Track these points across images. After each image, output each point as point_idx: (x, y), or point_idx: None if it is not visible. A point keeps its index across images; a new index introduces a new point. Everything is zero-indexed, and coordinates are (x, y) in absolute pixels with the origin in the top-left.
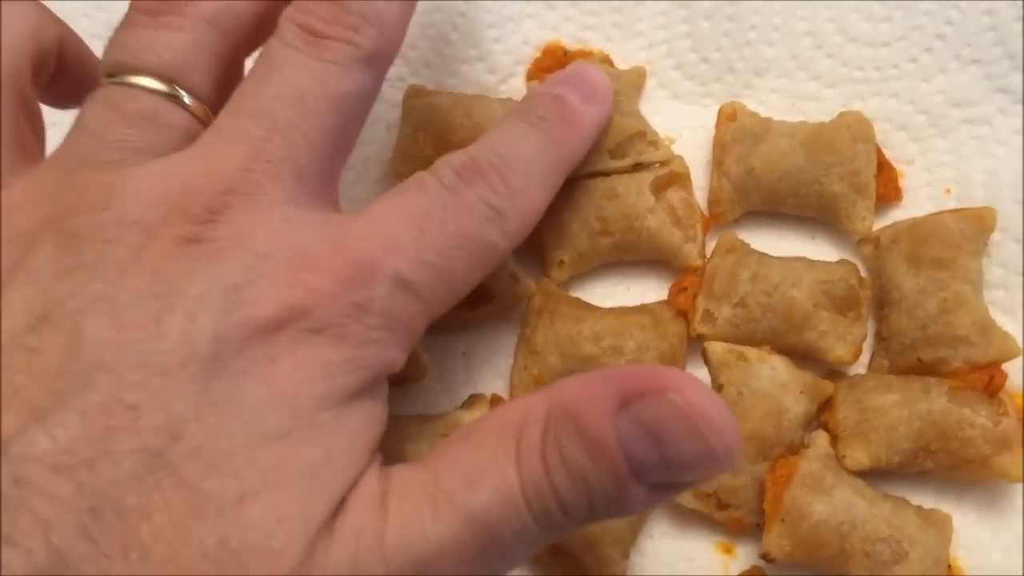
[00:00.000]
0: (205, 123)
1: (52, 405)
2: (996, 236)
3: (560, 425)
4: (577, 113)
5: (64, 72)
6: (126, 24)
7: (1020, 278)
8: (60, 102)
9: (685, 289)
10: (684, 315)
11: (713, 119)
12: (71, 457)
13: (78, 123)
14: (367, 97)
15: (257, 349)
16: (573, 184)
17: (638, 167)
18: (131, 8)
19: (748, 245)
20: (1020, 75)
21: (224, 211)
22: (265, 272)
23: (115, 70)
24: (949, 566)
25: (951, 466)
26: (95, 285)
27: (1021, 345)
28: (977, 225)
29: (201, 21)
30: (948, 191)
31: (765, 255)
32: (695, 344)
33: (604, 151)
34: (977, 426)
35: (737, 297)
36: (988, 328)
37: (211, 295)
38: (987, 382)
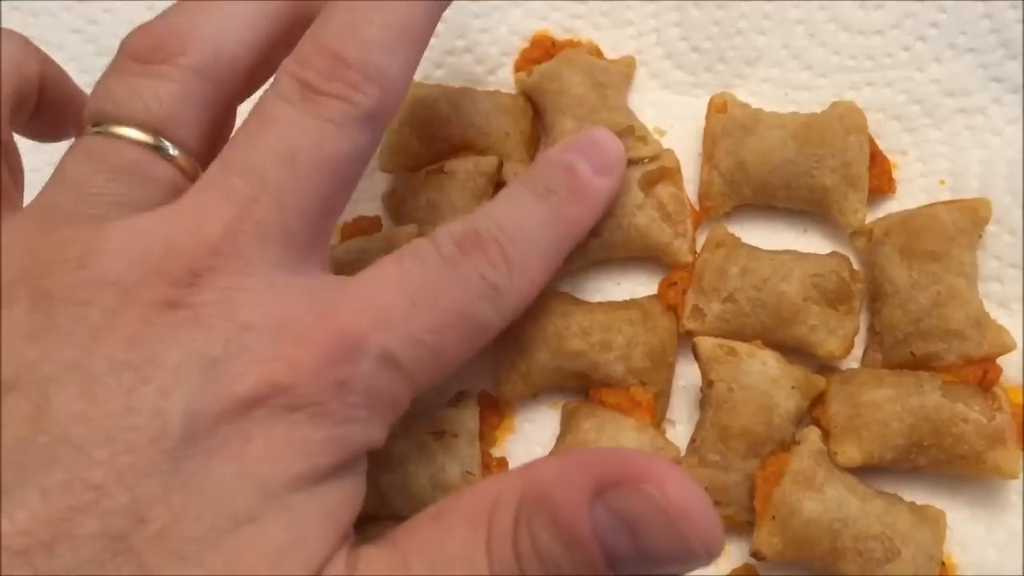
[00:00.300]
0: (192, 177)
1: (13, 481)
2: (991, 228)
3: (533, 511)
4: (588, 186)
5: (46, 106)
6: (113, 70)
7: (1016, 271)
8: (41, 137)
9: (675, 284)
10: (674, 310)
11: (704, 109)
12: (29, 539)
13: (59, 173)
14: (363, 157)
15: (231, 426)
16: None
17: (627, 162)
18: (120, 53)
19: (738, 239)
20: (1015, 64)
21: (207, 274)
22: (246, 344)
23: (100, 119)
24: (943, 563)
25: (944, 462)
26: (67, 351)
27: (1016, 339)
28: (971, 217)
29: (191, 71)
30: (942, 182)
31: (755, 249)
32: (685, 339)
33: None
34: (971, 421)
35: (727, 292)
36: (982, 321)
37: (187, 367)
38: (981, 376)
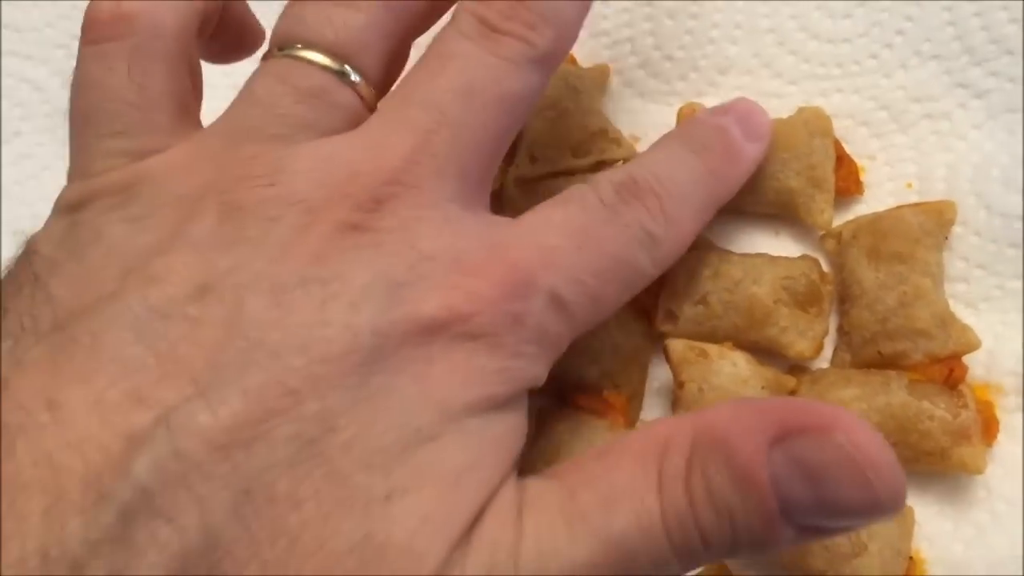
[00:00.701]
0: (371, 107)
1: (214, 380)
2: (957, 230)
3: (708, 454)
4: (739, 148)
5: (225, 28)
6: None
7: (982, 271)
8: (217, 58)
9: (647, 288)
10: (647, 313)
11: (675, 119)
12: (230, 436)
13: (247, 92)
14: (534, 97)
15: (414, 348)
16: (535, 185)
17: (600, 165)
18: None
19: (711, 242)
20: (979, 70)
21: (389, 201)
22: (427, 272)
23: (289, 41)
24: (911, 558)
25: (911, 459)
26: (258, 262)
27: (981, 338)
28: (937, 219)
29: (379, 1)
30: (909, 185)
31: (727, 252)
32: (658, 342)
33: (566, 149)
34: (936, 418)
35: (699, 295)
36: (947, 321)
37: (374, 288)
38: (947, 375)
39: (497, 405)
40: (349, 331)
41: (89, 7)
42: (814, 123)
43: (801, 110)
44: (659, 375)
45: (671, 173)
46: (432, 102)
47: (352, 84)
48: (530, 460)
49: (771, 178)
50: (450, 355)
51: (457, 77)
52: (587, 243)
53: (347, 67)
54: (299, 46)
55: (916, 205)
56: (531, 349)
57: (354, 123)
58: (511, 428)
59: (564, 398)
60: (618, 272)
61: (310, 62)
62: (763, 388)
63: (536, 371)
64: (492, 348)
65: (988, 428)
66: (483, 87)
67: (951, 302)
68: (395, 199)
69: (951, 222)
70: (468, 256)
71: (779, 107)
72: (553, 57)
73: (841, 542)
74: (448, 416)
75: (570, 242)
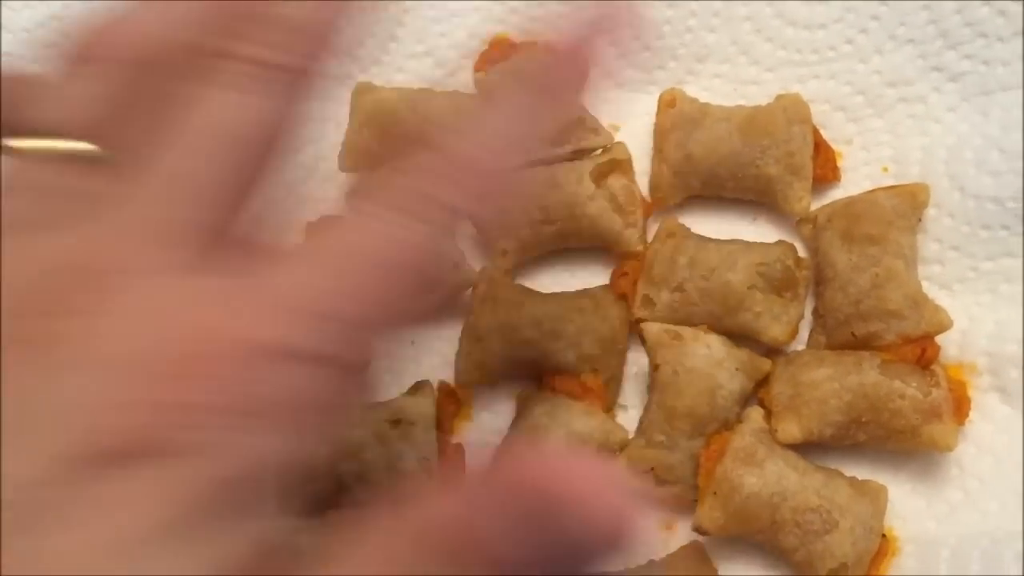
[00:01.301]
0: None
1: None
2: (931, 212)
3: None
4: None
5: None
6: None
7: (955, 253)
8: None
9: (626, 274)
10: (625, 299)
11: (655, 107)
12: None
13: None
14: (281, 127)
15: (95, 484)
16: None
17: (579, 154)
18: (51, 54)
19: (688, 230)
20: (953, 53)
21: (87, 297)
22: (119, 384)
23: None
24: (884, 536)
25: (883, 437)
26: None
27: (953, 319)
28: (910, 201)
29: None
30: (885, 169)
31: (703, 239)
32: (636, 327)
33: (544, 139)
34: (907, 397)
35: (676, 282)
36: (920, 301)
37: (48, 415)
38: (919, 355)
39: (220, 520)
40: (9, 482)
41: None
42: (793, 110)
43: (780, 97)
44: (637, 360)
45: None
46: (165, 163)
47: (77, 163)
48: (510, 443)
49: (750, 165)
50: (136, 485)
51: (203, 121)
52: (348, 263)
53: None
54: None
55: (890, 188)
56: (267, 436)
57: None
58: (246, 547)
59: (544, 382)
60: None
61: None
62: (737, 370)
63: (293, 448)
64: (199, 460)
65: (960, 407)
66: (224, 130)
67: (925, 284)
68: (95, 292)
69: (924, 204)
70: (173, 348)
71: (757, 94)
72: (291, 78)
73: (812, 519)
74: (140, 561)
75: (324, 272)
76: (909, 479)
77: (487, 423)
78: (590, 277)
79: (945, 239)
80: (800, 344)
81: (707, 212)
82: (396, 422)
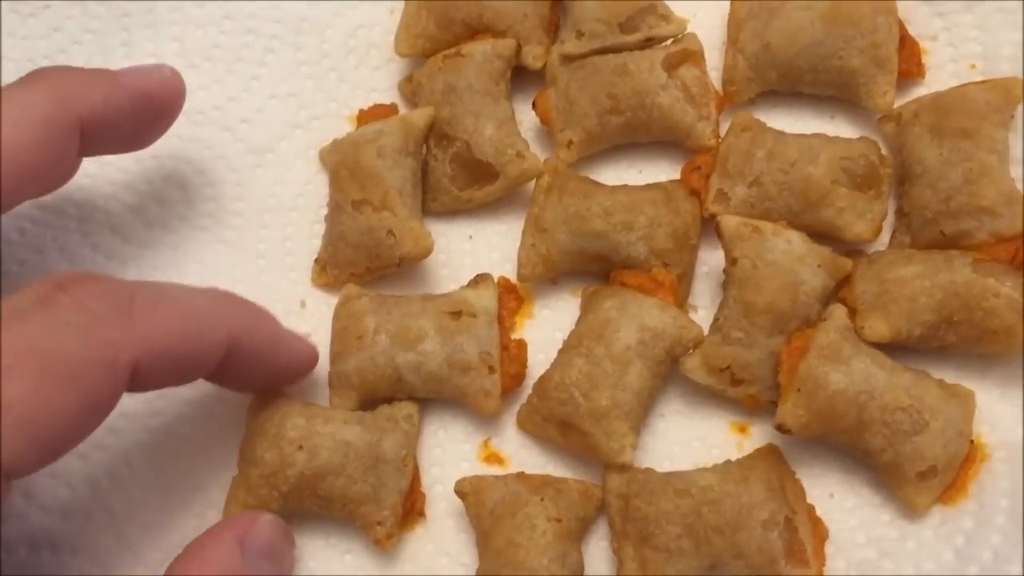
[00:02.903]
0: None
1: None
2: (1023, 110)
3: None
4: None
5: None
6: None
7: None
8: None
9: (698, 168)
10: (697, 194)
11: None
12: None
13: None
14: None
15: None
16: (582, 62)
17: (649, 42)
18: None
19: (763, 123)
20: None
21: None
22: None
23: None
24: (971, 442)
25: (974, 338)
26: None
27: None
28: (1004, 96)
29: None
30: (973, 66)
31: (781, 133)
32: (707, 224)
33: (614, 25)
34: (1002, 296)
35: (752, 176)
36: (1014, 199)
37: None
38: (1013, 254)
39: None
40: None
41: None
42: (878, 0)
43: None
44: (707, 259)
45: None
46: None
47: None
48: (577, 335)
49: (833, 56)
50: None
51: None
52: None
53: None
54: None
55: (982, 82)
56: None
57: None
58: None
59: (612, 278)
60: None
61: None
62: (819, 266)
63: None
64: None
65: None
66: None
67: (1015, 184)
68: None
69: (1018, 99)
70: None
71: None
72: None
73: (901, 419)
74: None
75: None
76: (997, 385)
77: (549, 320)
78: (657, 174)
79: None
80: (881, 246)
81: (781, 109)
82: (457, 314)
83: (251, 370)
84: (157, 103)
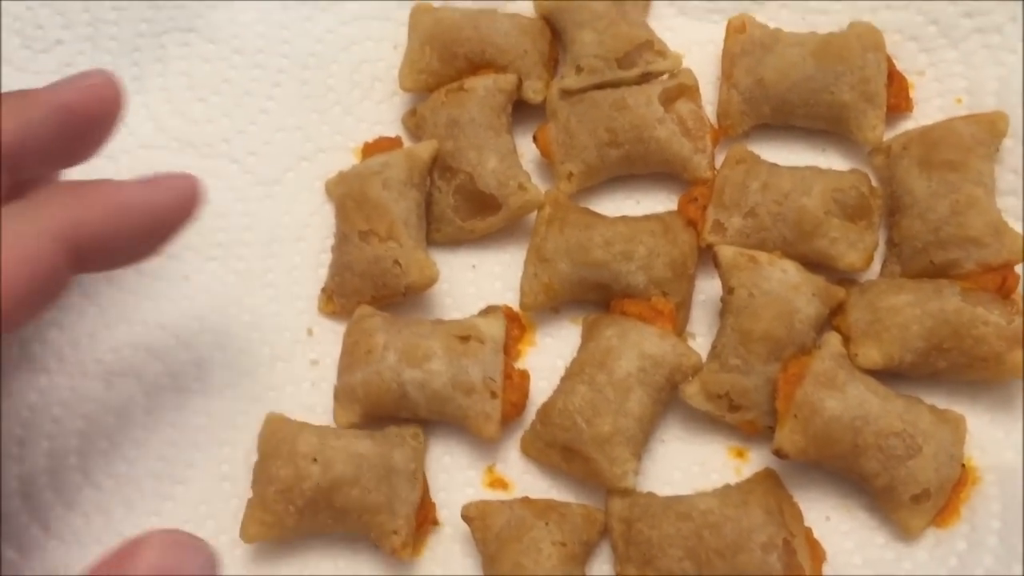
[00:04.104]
0: None
1: None
2: (1008, 143)
3: None
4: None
5: None
6: None
7: None
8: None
9: (695, 199)
10: (694, 225)
11: (721, 35)
12: None
13: None
14: None
15: None
16: (581, 96)
17: (646, 77)
18: None
19: (758, 156)
20: None
21: None
22: None
23: None
24: (963, 466)
25: (964, 365)
26: None
27: None
28: (989, 129)
29: None
30: (959, 100)
31: (775, 165)
32: (704, 254)
33: (612, 61)
34: (991, 324)
35: (748, 207)
36: (1000, 229)
37: None
38: (1000, 283)
39: None
40: None
41: None
42: (867, 37)
43: (853, 24)
44: (705, 288)
45: None
46: None
47: None
48: (579, 363)
49: (824, 91)
50: None
51: None
52: None
53: None
54: None
55: (968, 116)
56: None
57: None
58: None
59: (612, 307)
60: None
61: None
62: (813, 295)
63: None
64: None
65: None
66: None
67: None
68: None
69: (1003, 133)
70: None
71: (826, 23)
72: None
73: (895, 444)
74: None
75: None
76: (986, 410)
77: (551, 348)
78: (654, 205)
79: (1021, 170)
80: (872, 275)
81: (774, 142)
82: (465, 338)
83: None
84: (84, 115)
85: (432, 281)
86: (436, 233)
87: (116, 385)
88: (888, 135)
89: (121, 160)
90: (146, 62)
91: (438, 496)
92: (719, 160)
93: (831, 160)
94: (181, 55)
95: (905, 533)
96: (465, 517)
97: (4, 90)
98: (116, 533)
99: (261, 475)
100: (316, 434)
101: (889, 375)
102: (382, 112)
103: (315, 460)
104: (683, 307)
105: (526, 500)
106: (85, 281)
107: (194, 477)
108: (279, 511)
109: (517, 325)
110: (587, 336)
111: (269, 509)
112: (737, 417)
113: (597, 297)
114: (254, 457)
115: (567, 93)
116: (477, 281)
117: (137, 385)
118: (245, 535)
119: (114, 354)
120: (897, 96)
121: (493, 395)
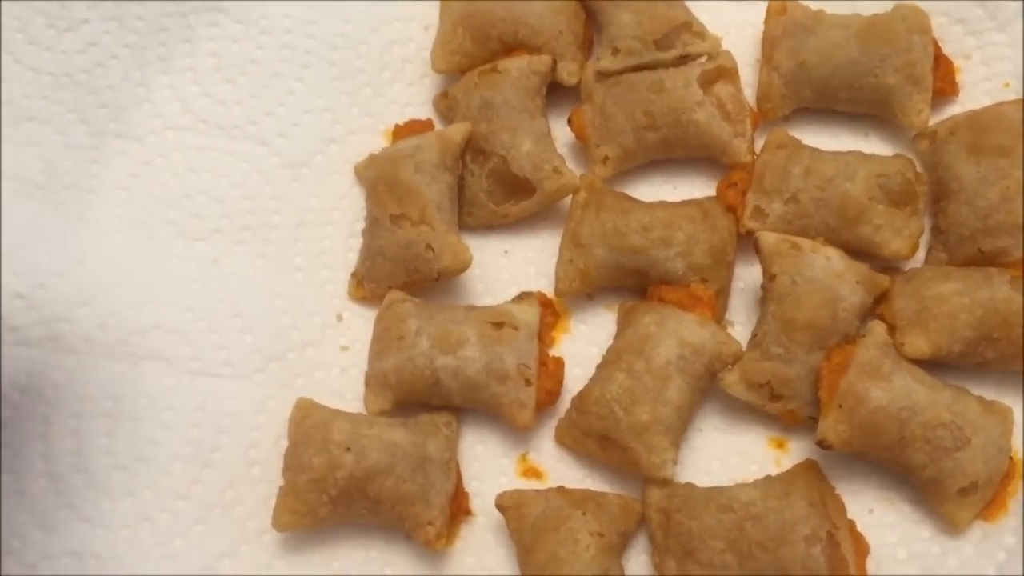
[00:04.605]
0: None
1: None
2: None
3: None
4: None
5: None
6: None
7: None
8: None
9: (734, 184)
10: (733, 210)
11: (760, 17)
12: None
13: None
14: None
15: None
16: (618, 78)
17: (684, 59)
18: None
19: (799, 141)
20: None
21: None
22: None
23: None
24: (1011, 458)
25: (1013, 355)
26: None
27: None
28: None
29: None
30: (1007, 85)
31: (817, 150)
32: (743, 240)
33: (650, 42)
34: None
35: (789, 192)
36: None
37: None
38: None
39: None
40: None
41: None
42: (912, 19)
43: (898, 6)
44: (743, 275)
45: None
46: None
47: None
48: (617, 350)
49: (869, 74)
50: None
51: None
52: None
53: None
54: None
55: (1017, 100)
56: None
57: None
58: None
59: (649, 294)
60: None
61: None
62: (857, 283)
63: None
64: None
65: None
66: None
67: None
68: None
69: None
70: None
71: (870, 5)
72: None
73: (943, 435)
74: None
75: None
76: None
77: (585, 335)
78: (692, 190)
79: None
80: (916, 263)
81: (816, 126)
82: (499, 324)
83: None
84: None
85: (465, 266)
86: (468, 217)
87: (143, 367)
88: (933, 120)
89: (147, 141)
90: (173, 42)
91: (471, 485)
92: (759, 144)
93: (874, 145)
94: (209, 35)
95: (951, 526)
96: (499, 506)
97: (29, 70)
98: (143, 516)
99: (293, 462)
100: (349, 421)
101: (934, 364)
102: (413, 94)
103: (349, 449)
104: (722, 294)
105: (562, 489)
106: (115, 262)
107: (222, 461)
108: (312, 500)
109: (551, 312)
110: (623, 323)
111: (301, 498)
112: (778, 407)
113: (633, 284)
114: (283, 443)
115: (603, 75)
116: (510, 267)
117: (165, 368)
118: (277, 524)
119: (141, 336)
120: (943, 80)
121: (527, 383)
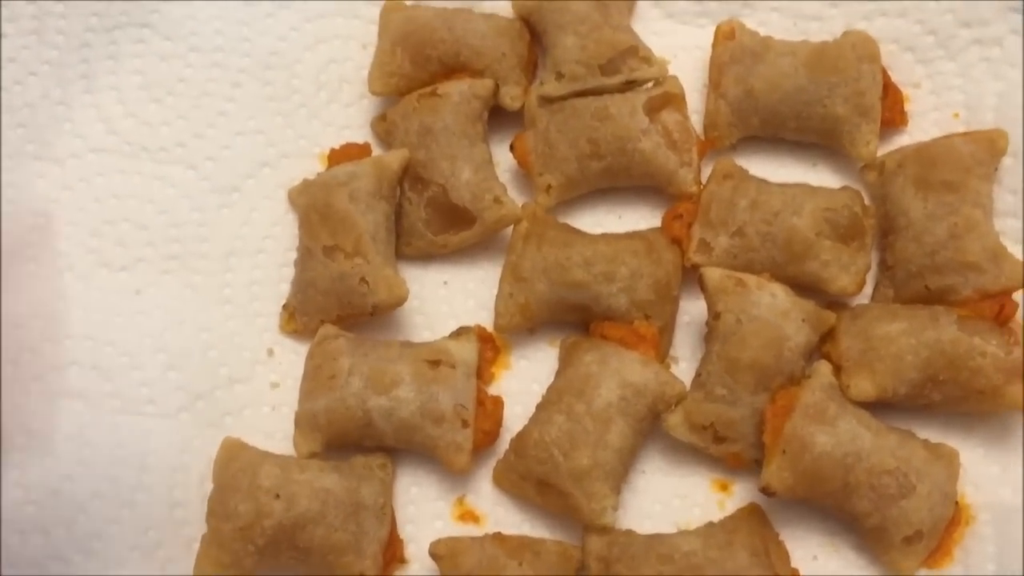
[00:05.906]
0: None
1: None
2: (1007, 161)
3: None
4: None
5: None
6: None
7: None
8: None
9: (680, 216)
10: (679, 243)
11: (709, 40)
12: None
13: None
14: None
15: None
16: (562, 104)
17: (630, 85)
18: None
19: (746, 171)
20: None
21: None
22: None
23: None
24: (956, 503)
25: (960, 397)
26: None
27: None
28: (988, 148)
29: None
30: (956, 115)
31: (764, 181)
32: (688, 274)
33: (595, 67)
34: (988, 355)
35: (735, 226)
36: (999, 255)
37: None
38: (998, 311)
39: None
40: None
41: None
42: (862, 47)
43: (847, 34)
44: (689, 309)
45: None
46: None
47: None
48: (557, 391)
49: (817, 104)
50: None
51: None
52: None
53: None
54: None
55: (966, 134)
56: None
57: None
58: None
59: (592, 330)
60: None
61: None
62: (803, 321)
63: None
64: None
65: None
66: None
67: (999, 237)
68: None
69: (1002, 152)
70: None
71: (819, 31)
72: None
73: (888, 482)
74: None
75: None
76: (981, 444)
77: (526, 371)
78: (638, 219)
79: (1021, 191)
80: (863, 299)
81: (763, 156)
82: (436, 363)
83: None
84: None
85: (401, 300)
86: (406, 247)
87: (60, 405)
88: (882, 150)
89: (68, 164)
90: (96, 59)
91: (405, 529)
92: (705, 173)
93: (822, 175)
94: (135, 52)
95: (896, 575)
96: (433, 555)
97: None
98: (56, 556)
99: (218, 508)
100: (279, 465)
101: (880, 405)
102: (350, 116)
103: (278, 496)
104: (666, 330)
105: (498, 537)
106: (29, 293)
107: (143, 501)
108: (237, 550)
109: (491, 347)
110: (565, 361)
111: (226, 547)
112: (722, 449)
113: (576, 318)
114: (209, 484)
115: (547, 100)
116: (449, 299)
117: (83, 406)
118: (199, 573)
119: (58, 373)
120: (892, 110)
121: (464, 424)
